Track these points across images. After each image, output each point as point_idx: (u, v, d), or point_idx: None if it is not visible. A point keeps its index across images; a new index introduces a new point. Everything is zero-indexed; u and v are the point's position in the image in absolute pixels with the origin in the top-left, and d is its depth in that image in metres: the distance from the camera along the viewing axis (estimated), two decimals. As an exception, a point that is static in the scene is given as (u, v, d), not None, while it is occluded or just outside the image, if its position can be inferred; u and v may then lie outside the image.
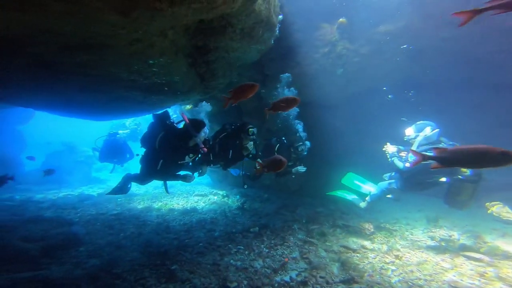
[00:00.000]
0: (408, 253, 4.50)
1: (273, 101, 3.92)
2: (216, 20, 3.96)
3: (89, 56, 3.36)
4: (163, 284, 3.20)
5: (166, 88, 5.03)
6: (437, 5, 5.46)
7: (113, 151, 8.25)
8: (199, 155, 4.60)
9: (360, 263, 4.04)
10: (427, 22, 5.72)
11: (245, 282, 3.29)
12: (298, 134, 6.02)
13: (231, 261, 3.85)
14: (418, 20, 5.78)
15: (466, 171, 4.46)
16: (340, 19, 6.24)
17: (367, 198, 6.05)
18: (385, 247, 4.69)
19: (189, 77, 5.03)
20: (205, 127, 4.31)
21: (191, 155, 4.39)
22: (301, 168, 5.67)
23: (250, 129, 4.82)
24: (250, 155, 5.12)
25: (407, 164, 4.93)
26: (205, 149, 4.17)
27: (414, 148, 4.79)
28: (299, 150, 5.66)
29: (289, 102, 3.86)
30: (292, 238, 4.81)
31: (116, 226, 5.52)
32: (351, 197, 6.30)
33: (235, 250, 4.23)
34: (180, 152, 4.26)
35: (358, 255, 4.33)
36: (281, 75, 6.18)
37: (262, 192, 7.82)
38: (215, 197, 8.07)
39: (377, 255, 4.33)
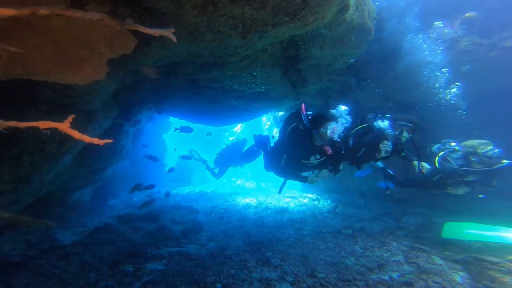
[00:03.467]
0: None
1: None
2: (306, 32, 4.35)
3: (216, 72, 4.37)
4: (260, 266, 3.77)
5: (264, 96, 5.76)
6: None
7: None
8: (326, 158, 3.76)
9: (505, 276, 3.32)
10: None
11: (334, 275, 3.40)
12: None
13: (320, 255, 4.01)
14: None
15: None
16: (467, 14, 5.89)
17: None
18: None
19: (283, 85, 5.57)
20: (332, 123, 3.45)
21: (317, 156, 3.65)
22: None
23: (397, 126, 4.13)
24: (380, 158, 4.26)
25: None
26: (329, 151, 3.44)
27: None
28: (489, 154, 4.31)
29: None
30: (395, 243, 4.45)
31: (225, 218, 6.68)
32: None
33: (325, 247, 4.36)
34: (305, 150, 3.63)
35: (502, 268, 3.52)
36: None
37: (358, 199, 7.44)
38: (305, 200, 8.29)
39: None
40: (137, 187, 6.14)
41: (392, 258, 3.92)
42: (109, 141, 1.12)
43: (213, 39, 2.84)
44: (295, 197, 8.73)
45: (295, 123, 3.69)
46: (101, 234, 4.72)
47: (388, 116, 4.41)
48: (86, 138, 1.02)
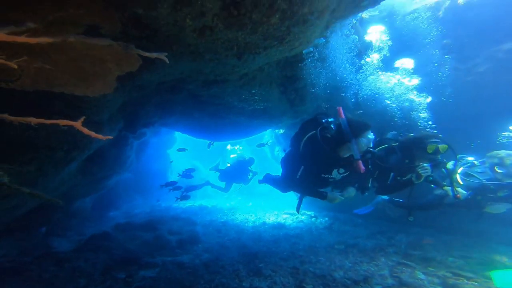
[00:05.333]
0: None
1: None
2: (300, 53, 4.71)
3: (217, 89, 4.68)
4: (251, 276, 3.86)
5: (263, 113, 6.04)
6: None
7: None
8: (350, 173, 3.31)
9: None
10: None
11: (321, 287, 3.46)
12: None
13: (310, 268, 4.06)
14: None
15: None
16: (444, 41, 6.39)
17: None
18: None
19: (281, 103, 5.87)
20: (370, 132, 3.02)
21: (341, 170, 3.23)
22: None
23: (430, 145, 3.44)
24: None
25: None
26: (362, 168, 2.95)
27: None
28: None
29: None
30: (383, 259, 4.51)
31: (223, 231, 6.76)
32: None
33: (316, 260, 4.41)
34: (326, 162, 3.17)
35: (474, 283, 3.59)
36: None
37: (355, 217, 7.45)
38: (303, 217, 8.32)
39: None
40: (171, 184, 7.14)
41: (378, 272, 3.97)
42: (110, 137, 1.37)
43: (211, 59, 3.17)
44: (293, 214, 8.76)
45: (314, 132, 3.28)
46: (97, 241, 4.85)
47: (411, 135, 3.91)
48: (93, 134, 1.27)
